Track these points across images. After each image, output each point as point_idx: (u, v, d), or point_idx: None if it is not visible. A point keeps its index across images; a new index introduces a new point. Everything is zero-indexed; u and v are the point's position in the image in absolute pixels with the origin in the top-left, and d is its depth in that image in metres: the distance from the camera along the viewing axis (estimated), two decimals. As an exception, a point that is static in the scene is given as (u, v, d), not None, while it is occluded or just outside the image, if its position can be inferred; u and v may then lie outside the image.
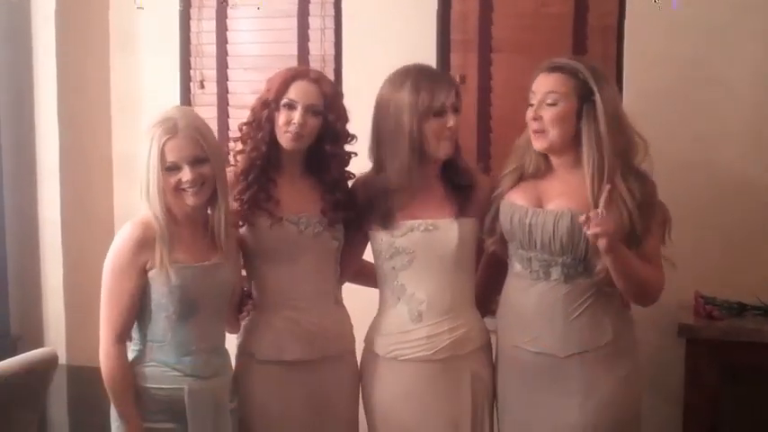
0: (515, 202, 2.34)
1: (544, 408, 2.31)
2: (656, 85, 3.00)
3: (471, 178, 2.45)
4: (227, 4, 3.60)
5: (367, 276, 2.56)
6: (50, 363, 2.60)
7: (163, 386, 2.23)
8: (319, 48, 3.49)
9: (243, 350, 2.46)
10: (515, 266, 2.37)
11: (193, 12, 3.67)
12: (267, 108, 2.38)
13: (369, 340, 2.49)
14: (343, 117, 2.43)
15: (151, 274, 2.19)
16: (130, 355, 2.25)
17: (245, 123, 2.44)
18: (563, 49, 3.09)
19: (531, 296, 2.32)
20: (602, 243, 2.12)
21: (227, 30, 3.63)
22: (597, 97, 2.23)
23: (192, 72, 3.70)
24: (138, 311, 2.22)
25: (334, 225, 2.44)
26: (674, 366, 2.85)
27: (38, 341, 3.48)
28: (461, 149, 2.48)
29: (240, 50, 3.64)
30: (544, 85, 2.28)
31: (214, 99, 3.67)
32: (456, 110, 2.36)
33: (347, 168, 2.50)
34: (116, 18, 3.74)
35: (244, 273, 2.48)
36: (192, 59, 3.70)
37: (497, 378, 2.45)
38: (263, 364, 2.41)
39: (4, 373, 2.45)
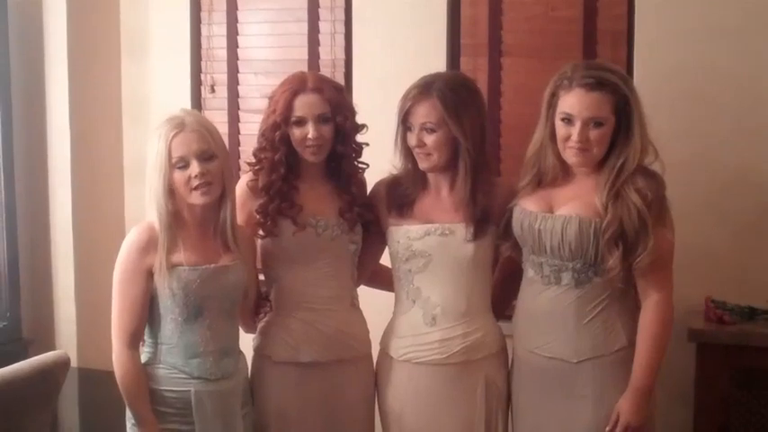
0: (526, 207, 2.34)
1: (557, 413, 2.31)
2: (666, 87, 2.99)
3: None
4: (238, 8, 3.61)
5: (382, 279, 2.57)
6: (62, 366, 2.61)
7: (172, 388, 2.24)
8: (329, 52, 3.48)
9: (259, 352, 2.47)
10: (528, 272, 2.37)
11: (204, 16, 3.68)
12: (278, 129, 2.38)
13: (383, 343, 2.49)
14: (350, 114, 2.44)
15: (156, 276, 2.20)
16: (143, 357, 2.26)
17: (259, 149, 2.44)
18: (573, 53, 3.09)
19: (542, 301, 2.32)
20: None
21: (237, 34, 3.63)
22: (634, 110, 2.24)
23: (202, 76, 3.70)
24: (148, 314, 2.23)
25: (353, 228, 2.44)
26: (685, 370, 2.84)
27: (49, 344, 3.49)
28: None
29: (251, 55, 3.64)
30: (588, 107, 2.22)
31: (225, 103, 3.67)
32: (432, 131, 2.33)
33: (361, 160, 2.50)
34: (127, 23, 3.75)
35: (261, 276, 2.49)
36: (203, 64, 3.70)
37: (512, 383, 2.44)
38: (278, 366, 2.42)
39: (17, 376, 2.46)
